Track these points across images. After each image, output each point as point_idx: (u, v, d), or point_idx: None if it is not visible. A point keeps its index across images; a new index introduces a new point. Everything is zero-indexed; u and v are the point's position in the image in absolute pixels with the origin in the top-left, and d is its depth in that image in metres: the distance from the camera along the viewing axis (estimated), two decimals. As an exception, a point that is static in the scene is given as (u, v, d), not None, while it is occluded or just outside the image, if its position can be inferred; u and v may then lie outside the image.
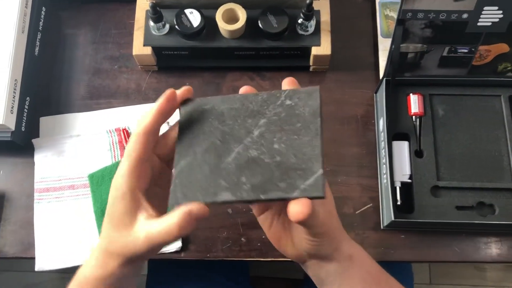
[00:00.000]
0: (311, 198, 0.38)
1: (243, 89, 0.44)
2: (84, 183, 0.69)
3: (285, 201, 0.38)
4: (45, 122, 0.73)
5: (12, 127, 0.68)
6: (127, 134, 0.71)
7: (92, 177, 0.69)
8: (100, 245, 0.43)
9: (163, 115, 0.42)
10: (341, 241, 0.46)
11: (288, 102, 0.41)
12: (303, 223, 0.38)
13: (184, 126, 0.43)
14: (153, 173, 0.44)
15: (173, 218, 0.38)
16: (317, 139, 0.39)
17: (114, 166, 0.69)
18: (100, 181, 0.68)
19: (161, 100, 0.42)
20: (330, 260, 0.46)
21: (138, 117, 0.74)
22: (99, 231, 0.67)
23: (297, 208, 0.36)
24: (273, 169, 0.39)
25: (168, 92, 0.42)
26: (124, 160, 0.41)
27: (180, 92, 0.44)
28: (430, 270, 1.42)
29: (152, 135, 0.41)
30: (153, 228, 0.39)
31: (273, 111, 0.41)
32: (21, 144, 0.70)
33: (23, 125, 0.71)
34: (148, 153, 0.42)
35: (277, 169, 0.39)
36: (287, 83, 0.43)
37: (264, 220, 0.47)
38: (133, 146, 0.41)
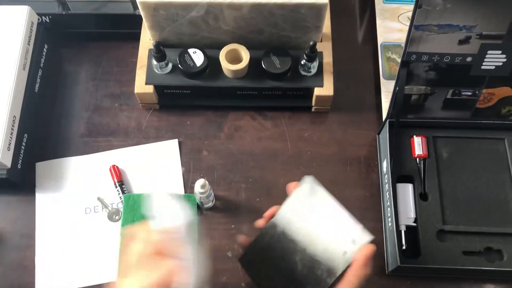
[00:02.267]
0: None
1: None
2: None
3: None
4: (41, 167, 0.72)
5: (8, 165, 0.66)
6: (115, 170, 0.71)
7: (128, 198, 0.67)
8: None
9: None
10: None
11: (297, 203, 0.52)
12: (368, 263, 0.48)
13: (254, 274, 0.54)
14: None
15: None
16: (340, 212, 0.50)
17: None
18: (136, 206, 0.67)
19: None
20: None
21: (135, 159, 0.73)
22: (120, 255, 0.65)
23: (363, 251, 0.48)
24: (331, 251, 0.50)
25: None
26: None
27: None
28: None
29: None
30: None
31: (296, 215, 0.51)
32: (17, 182, 0.68)
33: (19, 162, 0.69)
34: None
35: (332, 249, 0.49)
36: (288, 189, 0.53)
37: None
38: None
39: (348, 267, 0.48)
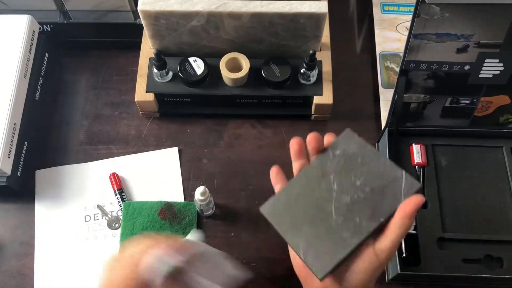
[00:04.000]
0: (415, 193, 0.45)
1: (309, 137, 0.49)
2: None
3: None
4: (41, 175, 0.72)
5: (8, 172, 0.66)
6: (115, 178, 0.71)
7: (128, 206, 0.67)
8: None
9: None
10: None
11: (337, 152, 0.48)
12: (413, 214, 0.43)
13: (281, 224, 0.48)
14: None
15: None
16: (381, 158, 0.47)
17: (156, 204, 0.67)
18: (136, 214, 0.67)
19: None
20: None
21: (135, 166, 0.72)
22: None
23: (412, 200, 0.43)
24: (372, 197, 0.45)
25: None
26: None
27: None
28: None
29: None
30: None
31: (333, 165, 0.48)
32: (16, 189, 0.68)
33: (19, 170, 0.69)
34: None
35: (373, 195, 0.45)
36: (326, 139, 0.49)
37: None
38: None
39: (390, 217, 0.44)
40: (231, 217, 0.69)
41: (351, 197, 0.46)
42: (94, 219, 0.69)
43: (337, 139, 0.49)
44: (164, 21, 0.66)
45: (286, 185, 0.49)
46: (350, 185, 0.46)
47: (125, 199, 0.69)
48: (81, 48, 0.81)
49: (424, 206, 0.67)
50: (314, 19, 0.66)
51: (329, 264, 0.44)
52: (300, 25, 0.67)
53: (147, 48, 0.73)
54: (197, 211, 0.68)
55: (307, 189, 0.48)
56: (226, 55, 0.70)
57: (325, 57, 0.73)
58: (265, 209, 0.49)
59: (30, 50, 0.73)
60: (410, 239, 0.65)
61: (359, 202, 0.46)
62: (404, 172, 0.45)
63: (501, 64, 0.60)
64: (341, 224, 0.45)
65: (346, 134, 0.49)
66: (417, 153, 0.69)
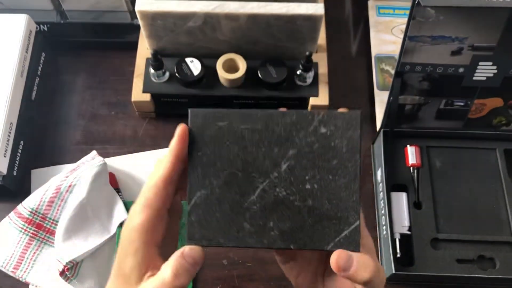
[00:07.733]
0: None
1: None
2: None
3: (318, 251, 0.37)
4: (37, 174, 0.72)
5: (4, 171, 0.66)
6: (112, 178, 0.70)
7: (124, 205, 0.67)
8: None
9: (181, 159, 0.36)
10: None
11: (322, 129, 0.35)
12: (350, 276, 0.34)
13: (196, 147, 0.36)
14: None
15: (168, 266, 0.34)
16: (355, 183, 0.35)
17: None
18: None
19: (175, 141, 0.36)
20: None
21: (131, 166, 0.73)
22: None
23: (342, 258, 0.34)
24: (304, 215, 0.35)
25: (180, 129, 0.36)
26: (140, 212, 0.35)
27: None
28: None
29: (171, 184, 0.36)
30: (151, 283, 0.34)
31: (305, 139, 0.35)
32: (12, 189, 0.68)
33: (15, 169, 0.69)
34: (167, 205, 0.36)
35: (309, 216, 0.35)
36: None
37: (290, 268, 0.42)
38: (151, 197, 0.35)
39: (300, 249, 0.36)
40: (227, 217, 0.70)
41: (287, 195, 0.35)
42: (90, 219, 0.69)
43: (335, 114, 0.35)
44: (161, 21, 0.67)
45: (241, 111, 0.37)
46: (298, 182, 0.35)
47: (121, 199, 0.69)
48: (77, 48, 0.81)
49: (418, 207, 0.68)
50: (311, 21, 0.66)
51: (203, 239, 0.36)
52: (297, 26, 0.67)
53: (144, 49, 0.74)
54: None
55: (256, 140, 0.36)
56: (223, 56, 0.70)
57: (321, 59, 0.74)
58: (194, 120, 0.37)
59: (27, 49, 0.73)
60: (404, 239, 0.66)
61: (288, 208, 0.35)
62: (357, 223, 0.35)
63: (495, 67, 0.61)
64: (251, 213, 0.36)
65: (349, 118, 0.35)
66: (411, 154, 0.70)
